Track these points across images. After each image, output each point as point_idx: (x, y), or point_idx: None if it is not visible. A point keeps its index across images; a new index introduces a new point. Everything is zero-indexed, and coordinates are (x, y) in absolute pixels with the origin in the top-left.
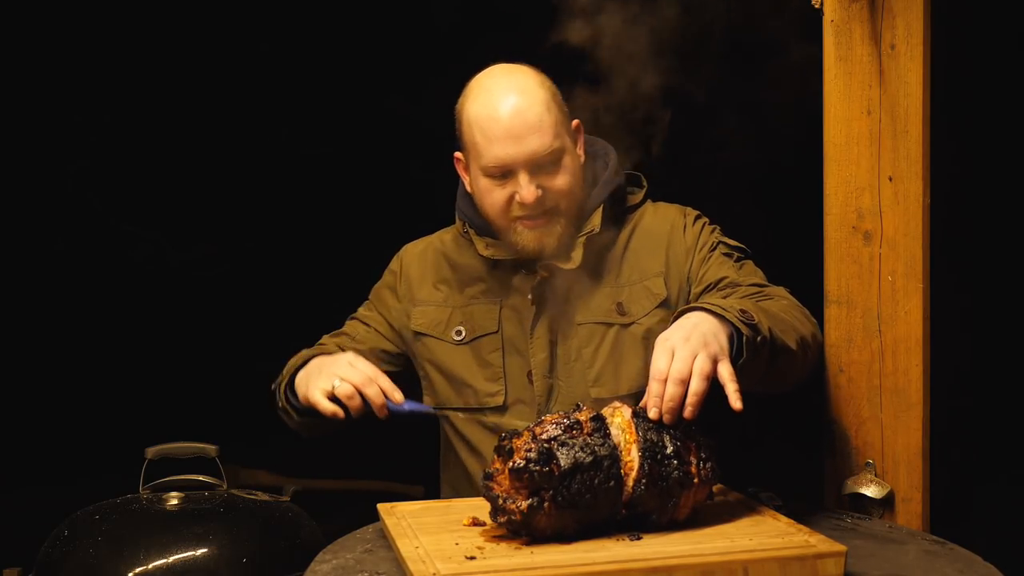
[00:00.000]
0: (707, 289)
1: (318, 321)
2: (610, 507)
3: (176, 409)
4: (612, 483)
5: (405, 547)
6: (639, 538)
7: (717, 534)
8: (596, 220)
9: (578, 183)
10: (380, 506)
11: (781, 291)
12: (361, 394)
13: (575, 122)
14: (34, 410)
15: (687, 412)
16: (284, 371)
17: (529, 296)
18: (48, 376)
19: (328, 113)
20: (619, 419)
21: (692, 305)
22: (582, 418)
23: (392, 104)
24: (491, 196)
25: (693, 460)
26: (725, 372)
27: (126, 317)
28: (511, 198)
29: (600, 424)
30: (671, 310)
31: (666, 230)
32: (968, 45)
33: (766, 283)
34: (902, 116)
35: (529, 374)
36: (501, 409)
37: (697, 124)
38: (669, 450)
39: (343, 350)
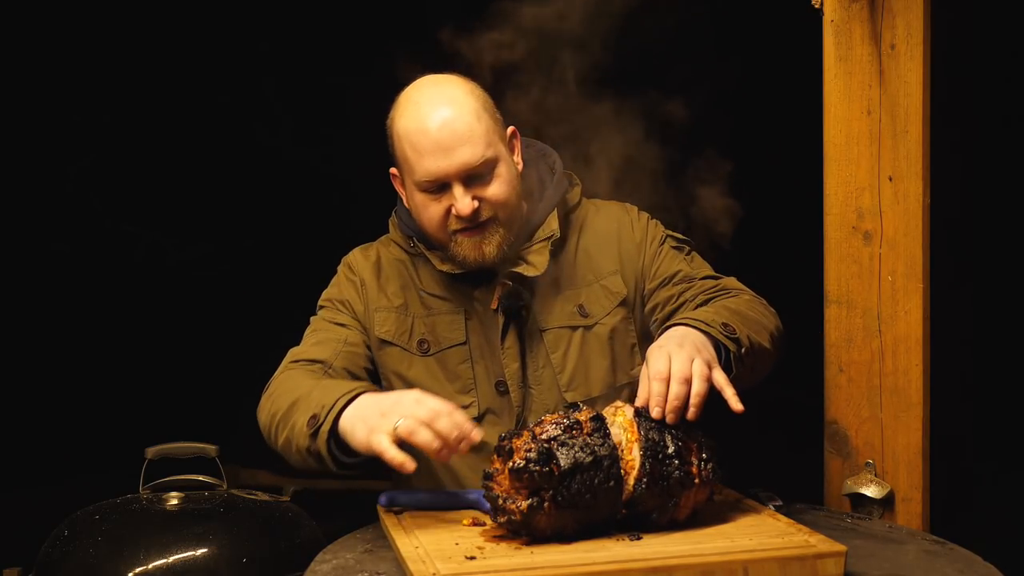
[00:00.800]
0: (662, 284)
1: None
2: (610, 507)
3: (176, 409)
4: (612, 483)
5: (405, 547)
6: (639, 538)
7: (717, 534)
8: (554, 224)
9: (515, 191)
10: (380, 506)
11: (734, 282)
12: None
13: (510, 129)
14: (34, 410)
15: (691, 413)
16: (318, 413)
17: (494, 306)
18: (48, 376)
19: (327, 113)
20: (621, 418)
21: (676, 321)
22: (582, 418)
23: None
24: (428, 211)
25: (694, 460)
26: (720, 378)
27: (126, 317)
28: (447, 211)
29: (600, 424)
30: (629, 306)
31: (614, 228)
32: (968, 45)
33: (717, 275)
34: (902, 116)
35: (498, 384)
36: (476, 420)
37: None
38: (671, 450)
39: (354, 377)
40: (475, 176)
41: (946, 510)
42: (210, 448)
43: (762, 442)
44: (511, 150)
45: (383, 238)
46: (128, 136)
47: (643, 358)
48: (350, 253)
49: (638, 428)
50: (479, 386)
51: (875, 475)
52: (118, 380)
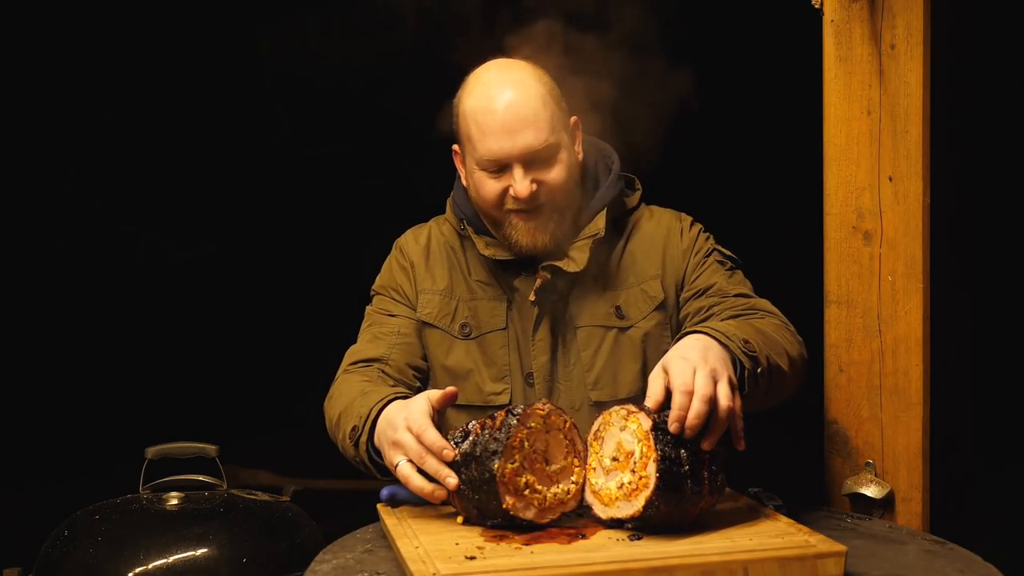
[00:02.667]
0: (696, 295)
1: (318, 321)
2: (494, 499)
3: (176, 409)
4: (487, 475)
5: (405, 547)
6: (639, 538)
7: (717, 534)
8: (600, 223)
9: (573, 179)
10: (380, 506)
11: (766, 304)
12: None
13: (573, 119)
14: (34, 410)
15: (708, 442)
16: (357, 424)
17: (531, 298)
18: (48, 376)
19: (328, 112)
20: (635, 426)
21: (697, 328)
22: (502, 415)
23: (390, 103)
24: (485, 188)
25: (705, 474)
26: (736, 409)
27: (126, 317)
28: (505, 191)
29: (505, 421)
30: (667, 312)
31: (663, 234)
32: (968, 45)
33: (752, 294)
34: (902, 116)
35: (527, 376)
36: (504, 407)
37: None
38: (686, 468)
39: (413, 368)
40: (536, 160)
41: (946, 510)
42: (210, 448)
43: (762, 442)
44: (572, 140)
45: (438, 218)
46: (128, 136)
47: None
48: (403, 235)
49: (655, 444)
50: (513, 374)
51: (875, 475)
52: (118, 380)
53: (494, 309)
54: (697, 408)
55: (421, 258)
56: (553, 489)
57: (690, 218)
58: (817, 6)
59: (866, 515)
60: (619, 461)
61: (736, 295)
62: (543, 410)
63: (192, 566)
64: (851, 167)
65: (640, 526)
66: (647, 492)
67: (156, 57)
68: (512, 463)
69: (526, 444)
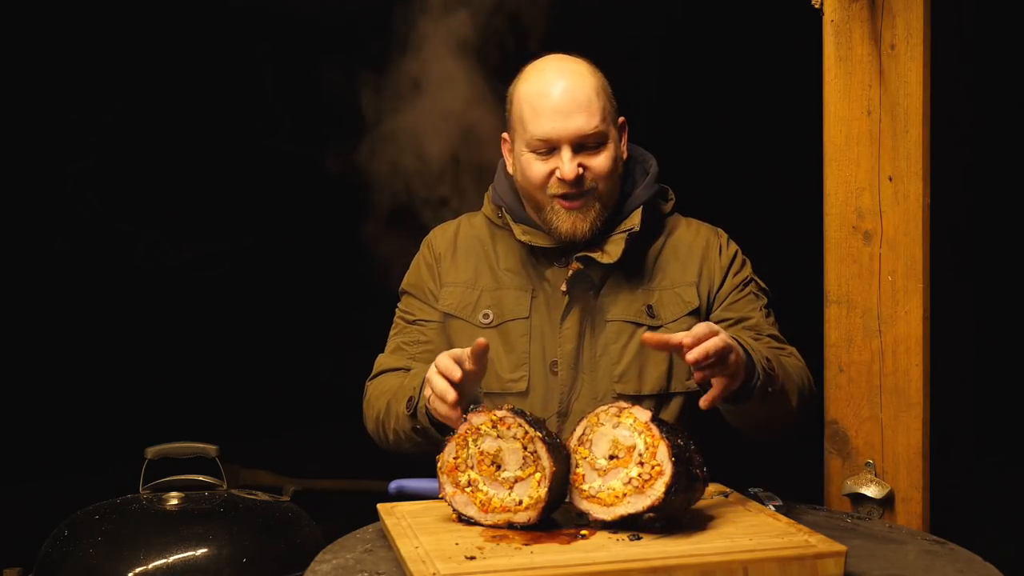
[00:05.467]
0: (731, 323)
1: (318, 320)
2: None
3: (176, 409)
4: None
5: (405, 547)
6: (639, 538)
7: (717, 534)
8: (636, 219)
9: (617, 172)
10: (380, 506)
11: (795, 351)
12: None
13: (621, 119)
14: (34, 410)
15: (706, 399)
16: (412, 395)
17: (563, 287)
18: (48, 376)
19: (327, 112)
20: (630, 420)
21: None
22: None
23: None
24: (532, 169)
25: (699, 460)
26: (721, 384)
27: (126, 317)
28: (551, 174)
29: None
30: (699, 320)
31: (702, 244)
32: (968, 45)
33: (783, 340)
34: (902, 116)
35: (552, 364)
36: (522, 395)
37: (697, 124)
38: (687, 454)
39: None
40: (585, 145)
41: (946, 510)
42: (210, 448)
43: (762, 442)
44: (619, 137)
45: (468, 214)
46: (128, 136)
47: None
48: (432, 231)
49: (660, 432)
50: (532, 363)
51: (875, 475)
52: (118, 380)
53: (519, 298)
54: (715, 342)
55: (448, 251)
56: (501, 494)
57: (726, 235)
58: (817, 6)
59: (866, 515)
60: (619, 458)
61: (770, 335)
62: (496, 415)
63: (192, 566)
64: (851, 167)
65: (660, 515)
66: (665, 478)
67: (156, 58)
68: (454, 457)
69: (470, 442)
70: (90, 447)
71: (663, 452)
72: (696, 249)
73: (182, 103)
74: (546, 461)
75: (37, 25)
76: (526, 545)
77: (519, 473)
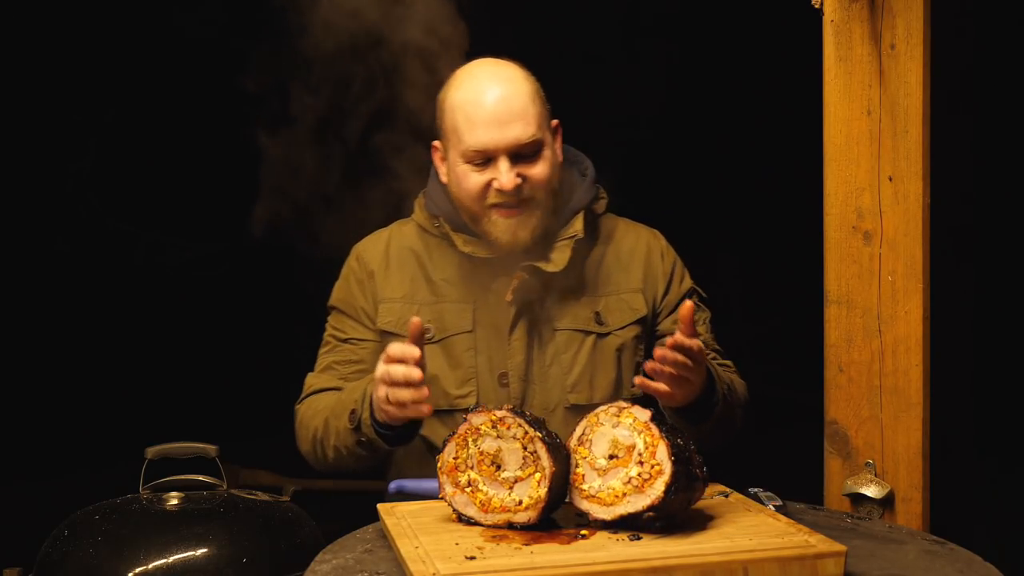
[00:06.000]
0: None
1: (318, 321)
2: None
3: (176, 409)
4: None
5: (405, 547)
6: (639, 538)
7: (717, 534)
8: (578, 225)
9: (555, 178)
10: (380, 506)
11: (732, 365)
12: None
13: (555, 122)
14: (34, 410)
15: (671, 397)
16: (355, 408)
17: (509, 297)
18: (48, 376)
19: (326, 114)
20: (629, 420)
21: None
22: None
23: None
24: (468, 181)
25: (699, 459)
26: (673, 396)
27: (126, 317)
28: (488, 184)
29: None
30: (645, 328)
31: (643, 249)
32: (968, 45)
33: (724, 353)
34: (902, 116)
35: (501, 376)
36: (471, 410)
37: (697, 124)
38: (687, 454)
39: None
40: (521, 154)
41: (946, 510)
42: (210, 448)
43: (762, 442)
44: (554, 140)
45: (399, 221)
46: (128, 136)
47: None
48: (359, 243)
49: (660, 432)
50: (480, 376)
51: (875, 475)
52: (118, 380)
53: (460, 311)
54: (689, 358)
55: (380, 265)
56: (501, 494)
57: (663, 237)
58: (817, 6)
59: (866, 515)
60: (618, 458)
61: (714, 350)
62: (496, 415)
63: (192, 566)
64: (851, 167)
65: (660, 514)
66: (665, 477)
67: (156, 59)
68: (454, 457)
69: (470, 442)
70: (90, 447)
71: (663, 451)
72: (639, 254)
73: (182, 103)
74: (546, 461)
75: (37, 25)
76: (526, 545)
77: (519, 473)
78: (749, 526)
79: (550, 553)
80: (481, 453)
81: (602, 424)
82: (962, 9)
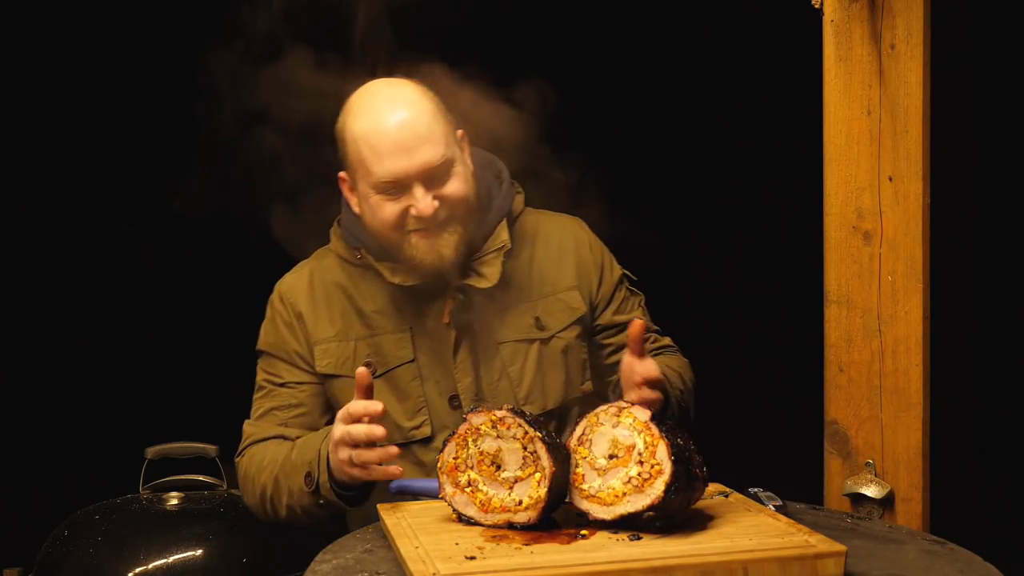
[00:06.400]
0: (620, 328)
1: None
2: None
3: (176, 409)
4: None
5: (405, 547)
6: (639, 538)
7: (717, 534)
8: (504, 235)
9: (472, 190)
10: (380, 506)
11: (669, 340)
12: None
13: (460, 132)
14: (34, 410)
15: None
16: (311, 470)
17: (446, 320)
18: (48, 376)
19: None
20: (629, 420)
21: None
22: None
23: None
24: (383, 212)
25: (699, 459)
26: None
27: (126, 317)
28: (405, 212)
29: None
30: (585, 325)
31: (571, 243)
32: (968, 45)
33: (661, 331)
34: (902, 116)
35: (452, 399)
36: (427, 440)
37: (697, 124)
38: (687, 453)
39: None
40: (434, 176)
41: (946, 510)
42: (210, 448)
43: (762, 442)
44: (463, 152)
45: (318, 252)
46: (129, 136)
47: (592, 375)
48: (281, 282)
49: (662, 433)
50: (430, 404)
51: (875, 475)
52: (118, 380)
53: (399, 341)
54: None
55: (308, 305)
56: (501, 494)
57: (585, 224)
58: (817, 6)
59: (866, 515)
60: (618, 457)
61: (651, 331)
62: (496, 415)
63: (192, 566)
64: (851, 167)
65: (660, 514)
66: (664, 477)
67: (155, 59)
68: (454, 457)
69: (470, 442)
70: (90, 447)
71: (663, 451)
72: (567, 248)
73: (181, 103)
74: (546, 461)
75: (37, 25)
76: (526, 545)
77: (519, 473)
78: (749, 526)
79: (550, 553)
80: (481, 453)
81: (602, 424)
82: (962, 9)
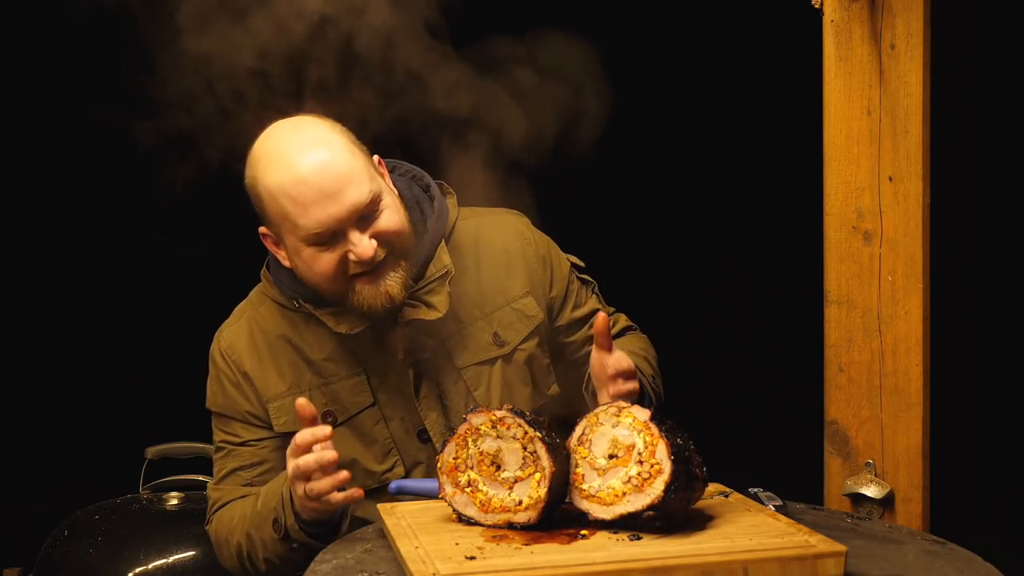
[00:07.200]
0: (579, 323)
1: None
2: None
3: (176, 409)
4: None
5: (405, 547)
6: (639, 538)
7: (717, 534)
8: (446, 259)
9: (405, 219)
10: (380, 506)
11: (626, 318)
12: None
13: (376, 158)
14: (34, 410)
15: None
16: (277, 517)
17: (400, 357)
18: (48, 376)
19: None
20: (629, 419)
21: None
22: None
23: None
24: (319, 264)
25: (699, 459)
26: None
27: (126, 317)
28: (343, 259)
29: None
30: (545, 331)
31: (516, 245)
32: (968, 45)
33: (615, 311)
34: (902, 116)
35: (421, 433)
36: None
37: (697, 124)
38: (686, 454)
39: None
40: (366, 215)
41: (946, 510)
42: (210, 448)
43: (762, 442)
44: (383, 178)
45: (253, 297)
46: (128, 136)
47: (557, 377)
48: (219, 336)
49: (661, 433)
50: (399, 444)
51: (875, 475)
52: (118, 380)
53: (355, 386)
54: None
55: (253, 363)
56: (501, 494)
57: (525, 216)
58: (817, 6)
59: (866, 515)
60: (618, 457)
61: (609, 316)
62: (495, 415)
63: (192, 566)
64: (851, 167)
65: (659, 513)
66: (664, 476)
67: (156, 59)
68: (454, 457)
69: (470, 442)
70: (90, 447)
71: (662, 450)
72: (513, 252)
73: (182, 102)
74: (546, 461)
75: (37, 25)
76: (526, 545)
77: (519, 473)
78: (749, 526)
79: (550, 553)
80: (481, 453)
81: (602, 424)
82: (962, 9)
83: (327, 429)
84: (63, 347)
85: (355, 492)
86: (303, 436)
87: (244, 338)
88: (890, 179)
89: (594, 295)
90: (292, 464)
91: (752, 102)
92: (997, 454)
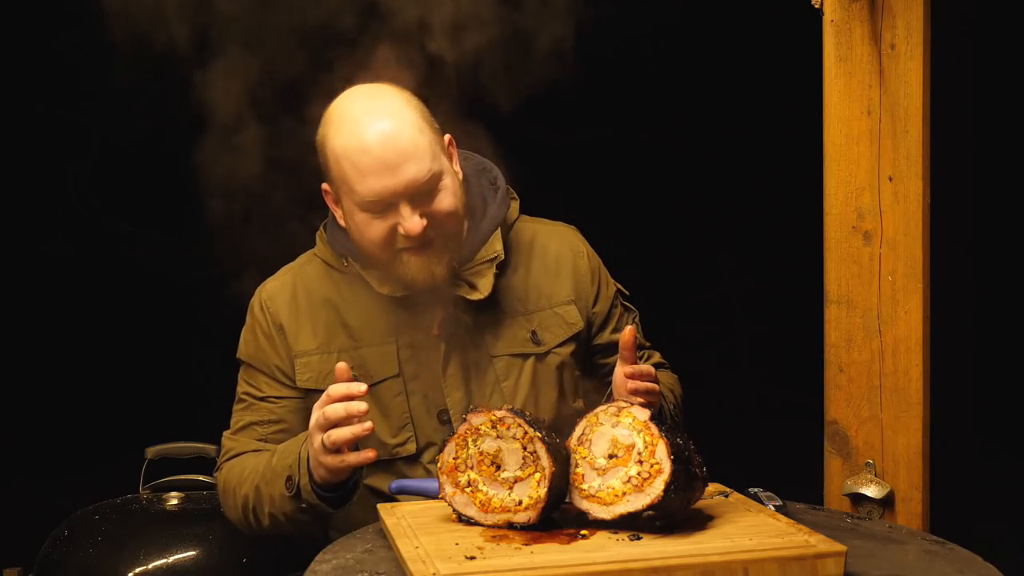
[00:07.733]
0: (616, 346)
1: None
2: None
3: (176, 409)
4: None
5: (405, 547)
6: (639, 538)
7: (717, 534)
8: (498, 245)
9: (461, 203)
10: (380, 506)
11: (658, 356)
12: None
13: (447, 137)
14: (34, 410)
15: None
16: (291, 474)
17: (436, 332)
18: (48, 376)
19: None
20: (629, 419)
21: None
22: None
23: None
24: (371, 230)
25: (699, 459)
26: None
27: (126, 317)
28: (393, 230)
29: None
30: (580, 341)
31: (568, 255)
32: (968, 45)
33: (651, 347)
34: (902, 116)
35: (440, 414)
36: (414, 457)
37: (697, 124)
38: (686, 453)
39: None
40: (421, 193)
41: (946, 510)
42: (210, 448)
43: (762, 442)
44: (451, 160)
45: (302, 258)
46: (128, 136)
47: (583, 394)
48: (262, 288)
49: (661, 432)
50: (416, 420)
51: (875, 475)
52: (118, 380)
53: (384, 355)
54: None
55: (290, 317)
56: (501, 494)
57: (579, 232)
58: (817, 6)
59: (866, 515)
60: (618, 457)
61: (644, 348)
62: (495, 415)
63: (192, 566)
64: (851, 167)
65: (659, 513)
66: (664, 476)
67: (155, 59)
68: (454, 457)
69: (470, 442)
70: (90, 447)
71: (662, 450)
72: (564, 260)
73: (181, 103)
74: (546, 461)
75: (37, 25)
76: (526, 545)
77: (519, 473)
78: (749, 526)
79: (550, 553)
80: (481, 453)
81: (601, 424)
82: (962, 9)
83: (362, 386)
84: (63, 347)
85: (369, 453)
86: (337, 388)
87: (287, 292)
88: (890, 179)
89: (634, 324)
90: (318, 413)
91: (752, 102)
92: (997, 455)
